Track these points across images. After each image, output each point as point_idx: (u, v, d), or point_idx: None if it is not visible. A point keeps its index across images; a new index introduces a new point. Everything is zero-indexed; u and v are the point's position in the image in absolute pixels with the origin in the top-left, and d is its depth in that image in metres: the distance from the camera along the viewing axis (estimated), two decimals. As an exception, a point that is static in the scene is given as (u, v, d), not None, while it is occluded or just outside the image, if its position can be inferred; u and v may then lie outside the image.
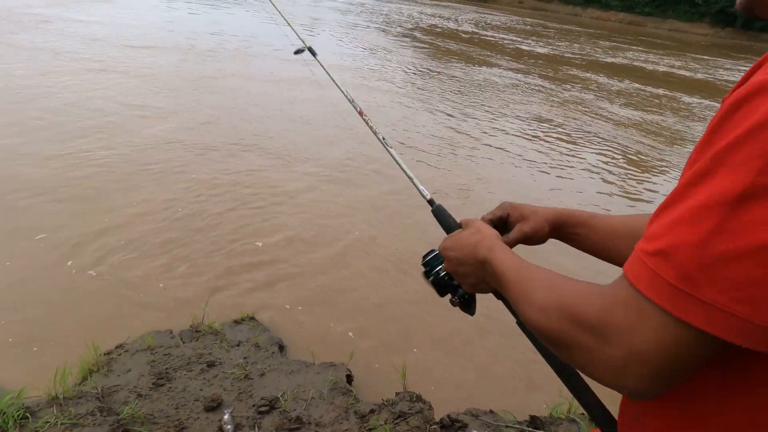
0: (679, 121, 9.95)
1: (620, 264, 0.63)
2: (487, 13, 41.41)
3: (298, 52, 1.54)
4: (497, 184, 5.58)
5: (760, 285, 0.40)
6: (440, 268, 0.87)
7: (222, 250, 3.59)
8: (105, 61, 8.22)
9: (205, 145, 5.37)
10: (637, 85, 13.51)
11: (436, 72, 11.87)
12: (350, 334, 2.97)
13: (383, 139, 1.19)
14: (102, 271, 3.18)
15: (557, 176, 6.06)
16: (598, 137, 7.93)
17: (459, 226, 0.90)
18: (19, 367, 2.42)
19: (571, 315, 0.52)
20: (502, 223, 0.93)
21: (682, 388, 0.51)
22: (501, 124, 8.00)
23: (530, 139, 7.36)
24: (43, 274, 3.08)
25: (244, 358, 2.51)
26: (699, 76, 17.68)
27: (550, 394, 2.47)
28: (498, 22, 32.56)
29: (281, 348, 2.70)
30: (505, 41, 21.42)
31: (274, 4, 1.70)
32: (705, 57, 23.75)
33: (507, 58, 16.13)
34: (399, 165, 1.13)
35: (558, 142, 7.44)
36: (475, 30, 24.92)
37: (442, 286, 0.88)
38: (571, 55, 19.40)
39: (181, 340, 2.60)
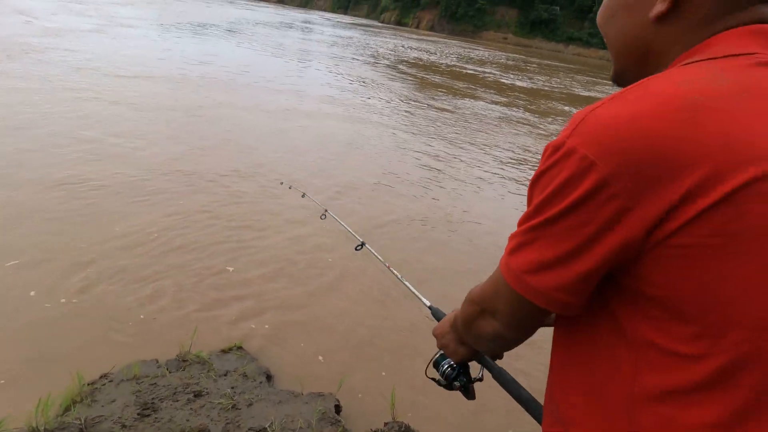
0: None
1: None
2: (471, 48, 42.67)
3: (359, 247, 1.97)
4: (484, 215, 5.66)
5: (532, 264, 0.63)
6: (444, 363, 1.04)
7: (210, 280, 3.57)
8: (96, 90, 8.27)
9: (194, 174, 5.39)
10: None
11: (422, 104, 12.14)
12: (339, 364, 2.96)
13: (389, 267, 1.68)
14: (86, 300, 3.13)
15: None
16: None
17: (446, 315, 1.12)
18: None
19: (469, 299, 0.81)
20: None
21: (555, 358, 0.73)
22: (487, 155, 8.18)
23: (516, 171, 7.51)
24: (25, 303, 3.02)
25: (232, 387, 2.48)
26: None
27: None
28: (482, 57, 33.54)
29: (269, 378, 2.68)
30: (488, 75, 22.04)
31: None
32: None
33: (490, 91, 16.58)
34: (403, 283, 1.54)
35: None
36: (459, 64, 25.62)
37: (447, 381, 1.04)
38: (550, 89, 19.99)
39: (168, 369, 2.57)
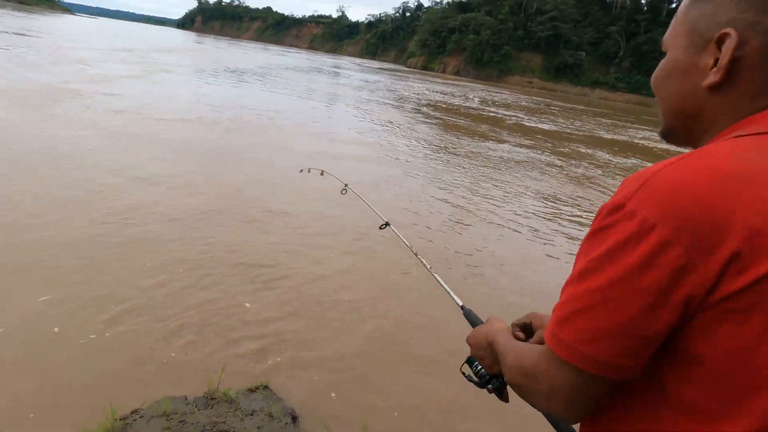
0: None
1: None
2: (496, 92, 43.30)
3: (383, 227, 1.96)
4: (507, 258, 5.64)
5: (585, 331, 0.61)
6: (476, 364, 1.04)
7: (237, 317, 3.64)
8: (134, 132, 8.72)
9: (224, 213, 5.57)
10: (636, 161, 13.82)
11: (447, 147, 12.33)
12: (362, 405, 2.95)
13: (430, 269, 1.57)
14: (116, 336, 3.22)
15: (568, 253, 6.13)
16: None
17: (482, 322, 1.11)
18: (35, 427, 2.44)
19: (520, 367, 0.75)
20: (527, 327, 1.07)
21: (601, 410, 0.70)
22: (511, 198, 8.20)
23: (541, 216, 7.50)
24: (57, 337, 3.14)
25: (258, 427, 2.50)
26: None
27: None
28: (506, 100, 33.95)
29: (294, 419, 2.69)
30: (512, 118, 22.25)
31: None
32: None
33: (515, 134, 16.71)
34: (435, 277, 1.47)
35: (570, 219, 7.57)
36: (482, 107, 25.97)
37: (480, 380, 1.05)
38: (573, 132, 20.00)
39: (196, 406, 2.61)
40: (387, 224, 1.96)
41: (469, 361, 1.05)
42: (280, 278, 4.32)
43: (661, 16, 76.22)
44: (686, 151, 0.69)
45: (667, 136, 0.80)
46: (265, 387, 2.92)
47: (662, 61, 0.77)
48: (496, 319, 1.03)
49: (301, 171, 3.29)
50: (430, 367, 3.40)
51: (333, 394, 3.02)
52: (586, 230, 0.67)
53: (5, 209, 4.78)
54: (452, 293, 1.38)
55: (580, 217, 7.71)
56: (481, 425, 2.94)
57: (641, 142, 20.32)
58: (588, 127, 23.43)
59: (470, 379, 1.05)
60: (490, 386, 1.02)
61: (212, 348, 3.26)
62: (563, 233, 6.77)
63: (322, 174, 3.08)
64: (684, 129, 0.76)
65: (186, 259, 4.35)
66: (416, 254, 1.67)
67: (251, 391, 2.86)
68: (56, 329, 3.18)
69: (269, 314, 3.75)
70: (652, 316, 0.59)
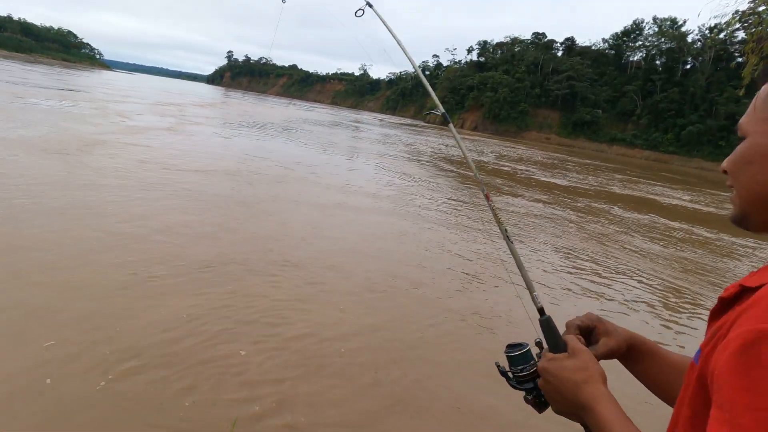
0: (703, 254, 9.85)
1: (667, 399, 0.86)
2: (512, 147, 43.83)
3: (438, 115, 1.53)
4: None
5: None
6: (526, 368, 0.91)
7: (250, 372, 3.60)
8: (158, 181, 9.02)
9: (243, 264, 5.63)
10: (654, 217, 13.63)
11: (464, 201, 12.39)
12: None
13: (506, 231, 1.25)
14: (125, 386, 3.21)
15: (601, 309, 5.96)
16: (630, 270, 7.89)
17: (565, 347, 0.90)
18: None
19: None
20: (588, 331, 0.98)
21: None
22: (531, 252, 8.12)
23: (561, 271, 7.38)
24: (62, 386, 3.13)
25: (263, 490, 2.41)
26: (710, 209, 17.75)
27: None
28: (525, 156, 34.29)
29: (301, 481, 2.59)
30: (528, 173, 22.38)
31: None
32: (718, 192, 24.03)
33: (532, 188, 16.76)
34: (518, 265, 1.17)
35: (590, 273, 7.43)
36: (499, 162, 26.23)
37: (521, 382, 0.91)
38: (587, 187, 19.96)
39: (202, 465, 2.54)
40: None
41: (514, 360, 0.91)
42: (293, 337, 4.29)
43: (676, 76, 77.57)
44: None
45: (741, 221, 0.77)
46: (273, 446, 2.84)
47: (741, 146, 0.76)
48: (589, 357, 0.86)
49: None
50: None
51: (342, 456, 2.91)
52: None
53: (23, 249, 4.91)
54: (534, 291, 1.10)
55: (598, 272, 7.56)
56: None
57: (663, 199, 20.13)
58: (600, 181, 23.38)
59: (506, 377, 0.93)
60: (529, 397, 0.90)
61: (222, 403, 3.20)
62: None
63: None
64: (764, 217, 0.74)
65: (201, 309, 4.36)
66: (500, 224, 1.28)
67: (259, 449, 2.78)
68: (63, 378, 3.18)
69: (283, 372, 3.70)
70: None
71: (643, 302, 6.55)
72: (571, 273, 7.37)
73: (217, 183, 9.81)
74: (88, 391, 3.09)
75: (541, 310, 1.03)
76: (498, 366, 0.95)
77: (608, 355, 0.95)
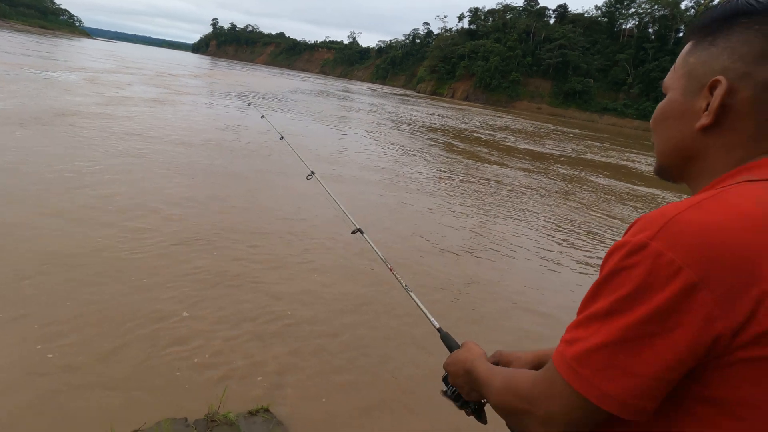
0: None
1: None
2: (502, 117, 43.57)
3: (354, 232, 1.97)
4: (516, 279, 5.60)
5: (607, 368, 0.61)
6: (454, 389, 1.05)
7: (240, 339, 3.63)
8: (138, 153, 8.86)
9: (233, 232, 5.60)
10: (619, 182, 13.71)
11: (453, 172, 12.37)
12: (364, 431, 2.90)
13: (406, 286, 1.56)
14: (118, 355, 3.23)
15: (577, 271, 6.07)
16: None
17: (458, 346, 1.13)
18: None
19: (514, 390, 0.76)
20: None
21: None
22: (518, 222, 8.18)
23: (546, 237, 7.46)
24: (57, 360, 3.14)
25: (257, 452, 2.46)
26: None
27: None
28: (515, 126, 34.14)
29: (294, 444, 2.65)
30: (519, 143, 22.34)
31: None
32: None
33: (520, 158, 16.75)
34: (416, 303, 1.46)
35: (573, 242, 7.52)
36: (489, 132, 26.15)
37: (458, 401, 1.07)
38: (557, 153, 19.98)
39: (196, 429, 2.58)
40: (359, 230, 1.96)
41: (446, 382, 1.08)
42: (288, 309, 4.32)
43: (668, 44, 76.94)
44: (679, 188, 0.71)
45: (662, 173, 0.84)
46: (266, 410, 2.89)
47: (661, 103, 0.81)
48: (472, 344, 1.05)
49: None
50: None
51: (335, 426, 2.97)
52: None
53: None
54: (429, 315, 1.38)
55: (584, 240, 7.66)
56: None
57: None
58: (579, 149, 23.45)
59: (449, 397, 1.07)
60: (467, 409, 1.05)
61: (215, 371, 3.24)
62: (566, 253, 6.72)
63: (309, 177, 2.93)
64: (678, 167, 0.80)
65: (187, 279, 4.36)
66: (391, 269, 1.68)
67: (252, 414, 2.83)
68: (58, 351, 3.19)
69: (272, 340, 3.73)
70: (676, 359, 0.59)
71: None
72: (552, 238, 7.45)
73: (197, 155, 9.67)
74: (75, 363, 3.09)
75: (439, 330, 1.31)
76: (444, 393, 1.09)
77: None
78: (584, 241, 7.75)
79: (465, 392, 1.00)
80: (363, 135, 17.03)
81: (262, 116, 4.32)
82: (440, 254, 6.09)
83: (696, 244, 0.58)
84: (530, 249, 6.87)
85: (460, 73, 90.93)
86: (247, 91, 29.18)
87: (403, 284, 1.54)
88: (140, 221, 5.48)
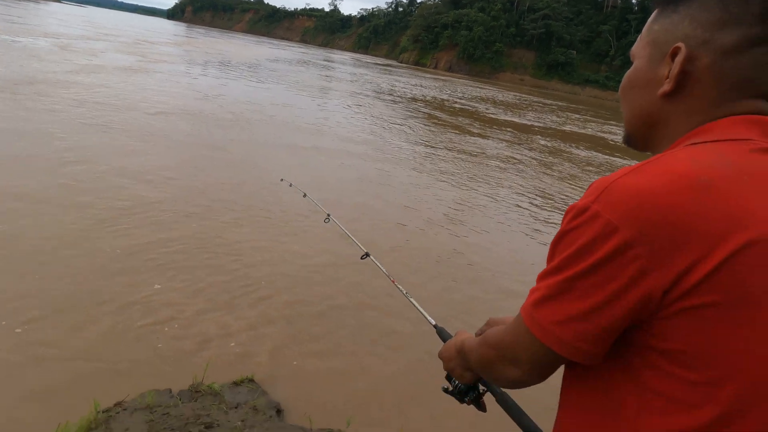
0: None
1: None
2: (484, 88, 43.38)
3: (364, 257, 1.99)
4: (494, 252, 5.69)
5: (557, 315, 0.68)
6: (453, 380, 1.09)
7: (224, 310, 3.64)
8: (119, 124, 8.63)
9: (216, 205, 5.55)
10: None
11: (436, 142, 12.35)
12: (347, 399, 2.97)
13: (406, 293, 1.63)
14: (100, 329, 3.21)
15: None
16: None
17: (451, 336, 1.18)
18: (15, 424, 2.42)
19: (488, 343, 0.84)
20: None
21: (565, 398, 0.78)
22: (495, 191, 8.25)
23: (526, 209, 7.57)
24: (42, 330, 3.12)
25: (242, 420, 2.51)
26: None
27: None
28: (499, 98, 34.03)
29: (279, 412, 2.70)
30: (500, 115, 22.33)
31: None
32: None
33: (501, 129, 16.79)
34: (409, 300, 1.55)
35: (553, 210, 7.65)
36: (473, 104, 26.03)
37: (459, 394, 1.11)
38: (540, 126, 20.12)
39: (180, 399, 2.61)
40: (367, 254, 1.99)
41: (448, 378, 1.11)
42: (263, 283, 4.33)
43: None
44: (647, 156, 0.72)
45: (629, 141, 0.86)
46: (251, 380, 2.93)
47: (628, 71, 0.83)
48: (463, 332, 1.09)
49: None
50: (422, 363, 3.43)
51: (318, 389, 3.03)
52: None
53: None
54: (426, 314, 1.46)
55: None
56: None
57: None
58: (559, 120, 23.60)
59: (450, 394, 1.11)
60: (467, 399, 1.09)
61: (198, 341, 3.26)
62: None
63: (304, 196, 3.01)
64: (643, 135, 0.82)
65: (166, 245, 4.33)
66: (394, 281, 1.75)
67: (236, 384, 2.87)
68: (43, 322, 3.16)
69: (256, 309, 3.75)
70: (610, 309, 0.64)
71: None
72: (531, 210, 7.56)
73: (179, 126, 9.45)
74: (57, 336, 3.08)
75: (435, 326, 1.38)
76: (445, 390, 1.13)
77: None
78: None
79: (458, 374, 1.04)
80: (345, 107, 16.82)
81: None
82: (423, 228, 6.13)
83: (630, 207, 0.62)
84: (515, 221, 6.97)
85: (443, 43, 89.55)
86: (227, 60, 28.37)
87: (404, 292, 1.63)
88: (110, 194, 5.38)
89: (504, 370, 0.80)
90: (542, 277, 0.72)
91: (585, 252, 0.65)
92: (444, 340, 1.27)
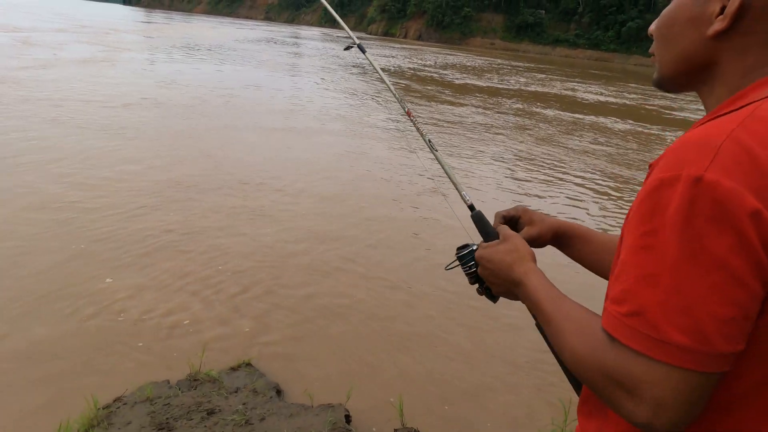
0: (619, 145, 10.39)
1: (604, 275, 0.90)
2: (454, 54, 43.00)
3: (347, 48, 1.65)
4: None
5: (705, 322, 0.54)
6: (473, 266, 0.95)
7: (217, 298, 3.64)
8: (77, 116, 8.36)
9: (199, 186, 5.47)
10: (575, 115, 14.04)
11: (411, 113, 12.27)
12: (346, 374, 3.02)
13: (429, 141, 1.26)
14: (92, 325, 3.19)
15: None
16: (572, 170, 8.26)
17: (497, 235, 0.96)
18: (17, 425, 2.41)
19: (603, 369, 0.62)
20: (513, 221, 1.04)
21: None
22: (478, 157, 8.29)
23: (509, 170, 7.63)
24: (36, 330, 3.08)
25: (243, 404, 2.54)
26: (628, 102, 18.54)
27: (549, 425, 2.55)
28: (472, 64, 33.78)
29: (279, 392, 2.74)
30: (474, 82, 22.23)
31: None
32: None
33: (476, 95, 16.75)
34: (444, 169, 1.18)
35: (533, 171, 7.73)
36: (445, 72, 25.84)
37: (475, 279, 0.96)
38: (511, 87, 20.14)
39: (180, 389, 2.63)
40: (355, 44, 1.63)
41: (464, 259, 0.95)
42: (257, 262, 4.31)
43: (618, -30, 76.22)
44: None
45: (664, 83, 0.78)
46: (248, 364, 2.96)
47: (667, 9, 0.75)
48: (517, 238, 0.91)
49: None
50: (414, 340, 3.49)
51: (316, 367, 3.07)
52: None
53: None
54: (459, 186, 1.12)
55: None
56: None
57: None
58: (522, 81, 23.64)
59: (462, 267, 0.97)
60: (480, 288, 0.96)
61: (192, 330, 3.26)
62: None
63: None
64: (686, 76, 0.74)
65: (154, 236, 4.28)
66: (408, 112, 1.40)
67: (234, 369, 2.89)
68: (35, 319, 3.11)
69: (247, 293, 3.75)
70: (757, 294, 0.55)
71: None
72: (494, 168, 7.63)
73: (151, 115, 9.21)
74: (60, 333, 3.04)
75: (471, 207, 1.08)
76: (446, 268, 1.02)
77: (530, 243, 0.97)
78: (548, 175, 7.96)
79: (498, 292, 0.91)
80: (315, 82, 16.54)
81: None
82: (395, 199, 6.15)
83: (756, 171, 0.54)
84: (492, 186, 7.03)
85: (411, 11, 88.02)
86: (193, 44, 27.50)
87: (426, 139, 1.26)
88: (78, 187, 5.27)
89: (639, 416, 0.61)
90: (646, 277, 0.59)
91: (718, 233, 0.55)
92: (483, 232, 1.02)
